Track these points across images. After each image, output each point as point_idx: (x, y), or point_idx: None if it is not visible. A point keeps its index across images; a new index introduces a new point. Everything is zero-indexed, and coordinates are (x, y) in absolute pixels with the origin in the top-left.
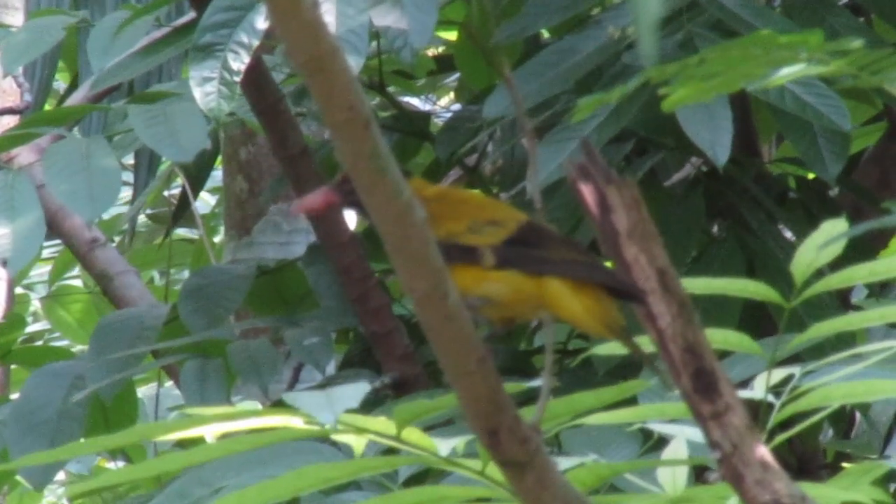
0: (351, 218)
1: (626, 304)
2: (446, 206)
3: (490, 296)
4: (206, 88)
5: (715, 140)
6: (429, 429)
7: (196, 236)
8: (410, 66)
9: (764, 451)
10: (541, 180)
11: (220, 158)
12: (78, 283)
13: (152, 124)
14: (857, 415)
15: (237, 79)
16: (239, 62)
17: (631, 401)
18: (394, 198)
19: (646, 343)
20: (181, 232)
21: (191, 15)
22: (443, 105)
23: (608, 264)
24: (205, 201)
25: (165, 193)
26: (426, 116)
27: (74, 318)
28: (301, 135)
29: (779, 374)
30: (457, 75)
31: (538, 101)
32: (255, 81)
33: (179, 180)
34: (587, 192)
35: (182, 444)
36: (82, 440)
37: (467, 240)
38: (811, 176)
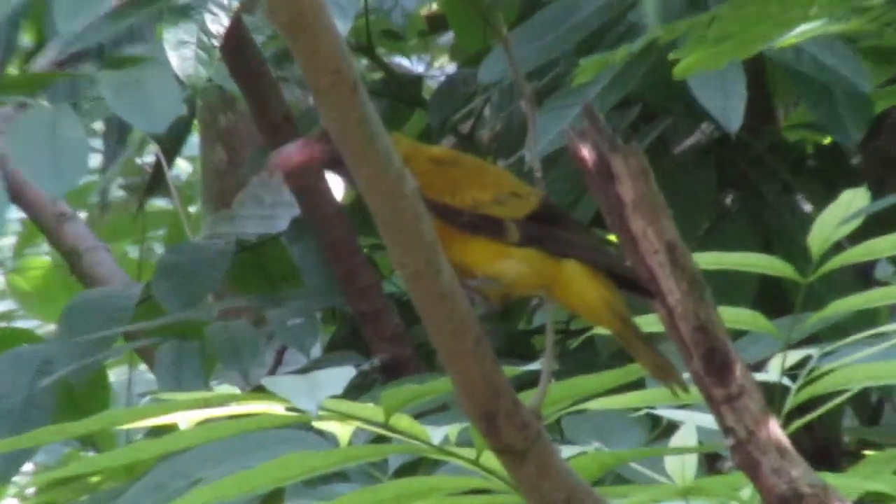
0: (338, 190)
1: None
2: (466, 171)
3: (506, 274)
4: (183, 53)
5: (727, 106)
6: (420, 415)
7: (171, 207)
8: (401, 27)
9: (781, 437)
10: (540, 149)
11: (196, 125)
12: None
13: (123, 92)
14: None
15: (216, 43)
16: (218, 24)
17: (637, 384)
18: (384, 168)
19: (653, 322)
20: (157, 203)
21: None
22: (436, 67)
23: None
24: (182, 168)
25: (139, 161)
26: (418, 80)
27: (34, 289)
28: (284, 101)
29: (795, 355)
30: (451, 34)
31: (538, 64)
32: (235, 44)
33: (154, 147)
34: (590, 160)
35: (156, 433)
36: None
37: (493, 211)
38: (829, 141)
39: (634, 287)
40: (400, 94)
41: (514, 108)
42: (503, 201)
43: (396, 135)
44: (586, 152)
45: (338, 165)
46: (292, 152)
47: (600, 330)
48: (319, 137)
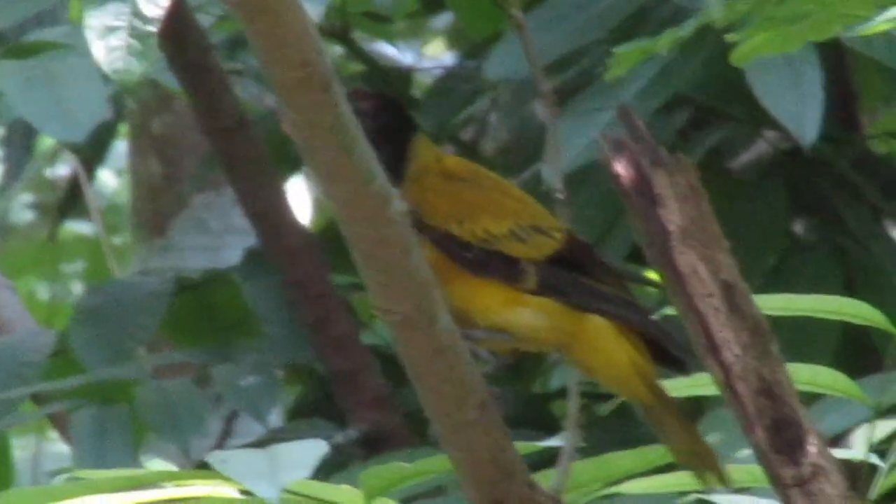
0: (305, 213)
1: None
2: (481, 193)
3: (516, 327)
4: (111, 42)
5: (801, 112)
6: (410, 500)
7: (92, 233)
8: (386, 7)
9: None
10: (564, 164)
11: (123, 129)
12: None
13: (31, 88)
14: None
15: (153, 29)
16: (155, 5)
17: None
18: (363, 185)
19: (704, 384)
20: (73, 228)
21: None
22: (430, 57)
23: (656, 276)
24: (105, 184)
25: (50, 175)
26: (407, 74)
27: None
28: (236, 100)
29: (886, 426)
30: (448, 15)
31: (560, 55)
32: (174, 27)
33: (70, 157)
34: (627, 177)
35: None
36: None
37: (509, 248)
38: None
39: (664, 358)
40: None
41: (529, 112)
42: (522, 237)
43: (423, 139)
44: (622, 167)
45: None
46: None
47: None
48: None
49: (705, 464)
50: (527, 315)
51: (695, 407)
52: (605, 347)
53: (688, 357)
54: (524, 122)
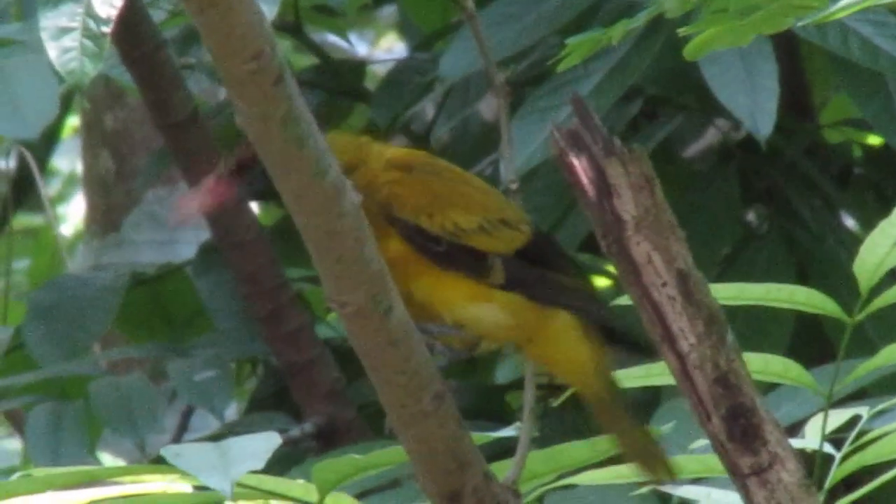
0: (258, 208)
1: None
2: (448, 185)
3: (480, 321)
4: (65, 43)
5: (755, 105)
6: (365, 494)
7: (41, 223)
8: (338, 2)
9: None
10: (520, 161)
11: (70, 124)
12: None
13: None
14: None
15: (107, 29)
16: (109, 6)
17: None
18: (316, 178)
19: (659, 373)
20: (24, 220)
21: None
22: (383, 49)
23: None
24: (56, 171)
25: None
26: (359, 66)
27: None
28: (189, 95)
29: (840, 414)
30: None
31: (515, 52)
32: (127, 22)
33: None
34: (581, 168)
35: None
36: None
37: (478, 242)
38: (880, 144)
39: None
40: (337, 84)
41: (474, 108)
42: (490, 231)
43: (341, 134)
44: (575, 158)
45: (260, 194)
46: (198, 196)
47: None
48: (233, 168)
49: (653, 459)
50: (492, 309)
51: (650, 397)
52: (568, 343)
53: (652, 347)
54: (467, 120)
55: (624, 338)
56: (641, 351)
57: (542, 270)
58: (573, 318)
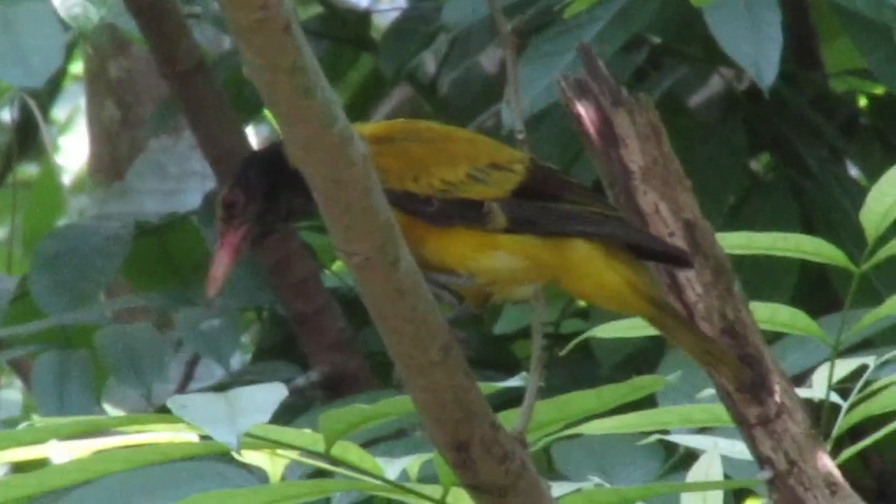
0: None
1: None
2: (428, 145)
3: (496, 271)
4: None
5: (760, 54)
6: (371, 443)
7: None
8: None
9: (830, 468)
10: (525, 106)
11: (73, 71)
12: None
13: None
14: None
15: None
16: None
17: (646, 402)
18: (324, 128)
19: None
20: (21, 171)
21: None
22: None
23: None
24: (54, 121)
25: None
26: (365, 16)
27: None
28: (195, 44)
29: (847, 364)
30: None
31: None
32: None
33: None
34: (588, 117)
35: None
36: None
37: (470, 192)
38: (884, 94)
39: (660, 256)
40: (343, 33)
41: (475, 56)
42: (481, 178)
43: None
44: (583, 108)
45: (270, 232)
46: (219, 266)
47: (598, 332)
48: (224, 217)
49: (721, 360)
50: (503, 257)
51: (656, 346)
52: (594, 271)
53: (686, 255)
54: (471, 68)
55: (652, 250)
56: (673, 260)
57: (542, 204)
58: (591, 245)
